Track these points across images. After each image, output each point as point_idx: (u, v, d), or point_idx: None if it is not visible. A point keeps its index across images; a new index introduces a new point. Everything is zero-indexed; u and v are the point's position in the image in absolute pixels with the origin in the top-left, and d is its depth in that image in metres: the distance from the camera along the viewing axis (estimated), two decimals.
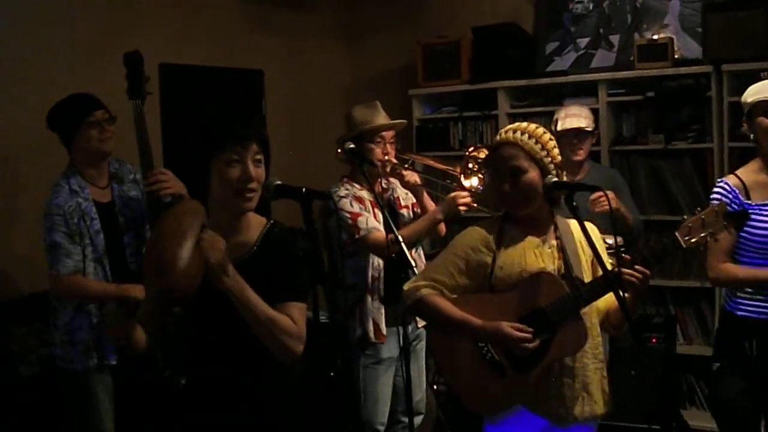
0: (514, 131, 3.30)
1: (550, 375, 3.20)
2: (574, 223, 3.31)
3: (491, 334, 3.19)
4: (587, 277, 3.27)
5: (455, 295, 3.31)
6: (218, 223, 2.87)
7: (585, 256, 3.31)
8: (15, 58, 5.12)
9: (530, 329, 3.14)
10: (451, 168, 4.79)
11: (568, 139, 5.14)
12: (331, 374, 4.86)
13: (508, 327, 3.15)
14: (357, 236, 4.44)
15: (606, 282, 3.08)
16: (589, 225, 3.35)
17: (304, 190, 2.67)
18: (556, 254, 3.28)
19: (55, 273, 4.05)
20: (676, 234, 3.12)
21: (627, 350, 5.41)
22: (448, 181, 4.81)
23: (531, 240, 3.28)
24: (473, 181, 4.68)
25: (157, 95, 5.92)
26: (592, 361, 3.27)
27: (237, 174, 2.78)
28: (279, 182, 2.77)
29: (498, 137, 3.34)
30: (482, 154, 4.68)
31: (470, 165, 4.67)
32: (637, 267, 3.08)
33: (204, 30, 6.37)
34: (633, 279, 3.08)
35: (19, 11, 5.18)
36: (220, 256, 2.65)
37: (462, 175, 4.67)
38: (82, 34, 5.50)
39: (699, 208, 3.16)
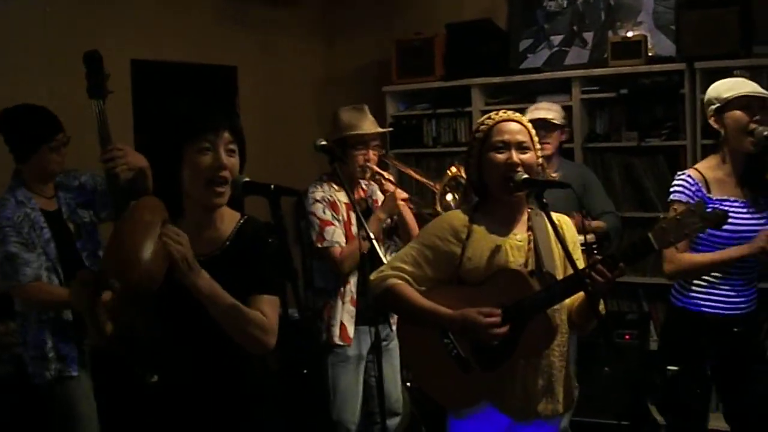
0: (514, 113, 3.28)
1: (516, 371, 3.17)
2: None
3: (458, 321, 3.11)
4: (560, 272, 3.24)
5: (423, 288, 3.25)
6: (192, 218, 2.85)
7: (558, 250, 3.25)
8: None
9: (498, 311, 3.07)
10: (431, 184, 4.79)
11: (535, 131, 5.14)
12: (305, 372, 4.84)
13: (475, 313, 3.07)
14: (319, 245, 4.44)
15: (576, 281, 3.05)
16: (564, 220, 3.35)
17: (272, 186, 2.64)
18: (526, 247, 3.23)
19: (15, 284, 4.01)
20: (649, 235, 3.02)
21: (600, 347, 5.43)
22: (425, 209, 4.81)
23: (502, 232, 3.23)
24: (447, 197, 4.69)
25: (129, 92, 5.91)
26: (558, 359, 3.24)
27: (209, 162, 2.74)
28: (247, 179, 2.74)
29: (499, 114, 3.25)
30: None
31: (453, 184, 4.67)
32: (598, 268, 3.00)
33: (177, 26, 6.33)
34: (596, 279, 3.01)
35: None
36: (183, 251, 2.62)
37: (440, 193, 4.67)
38: (55, 31, 5.46)
39: (675, 208, 3.12)
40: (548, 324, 3.14)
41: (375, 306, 4.11)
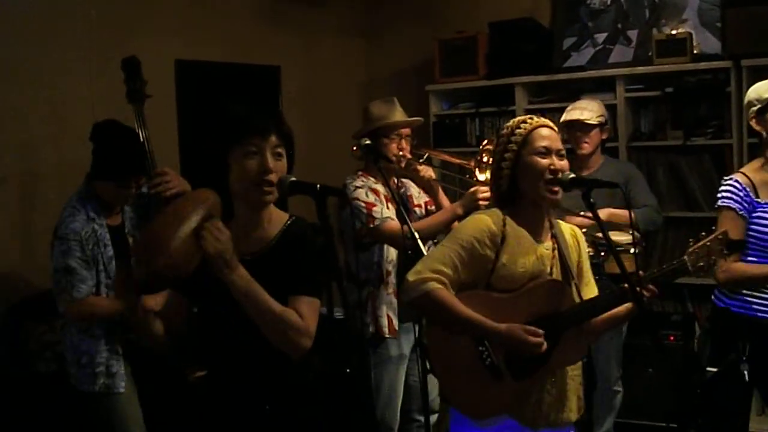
0: (546, 119, 3.27)
1: (538, 382, 3.15)
2: (564, 225, 3.33)
3: (505, 336, 3.08)
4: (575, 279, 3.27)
5: (453, 292, 3.17)
6: (240, 218, 2.88)
7: (573, 259, 3.28)
8: (30, 59, 5.15)
9: (542, 332, 3.06)
10: (466, 162, 4.78)
11: (572, 131, 5.17)
12: (347, 371, 4.84)
13: (522, 330, 3.05)
14: (371, 225, 4.42)
15: (622, 295, 3.06)
16: (578, 231, 3.38)
17: (318, 186, 2.65)
18: (551, 255, 3.22)
19: (68, 298, 4.00)
20: (685, 258, 3.13)
21: (645, 348, 5.40)
22: (468, 176, 4.79)
23: (532, 239, 3.20)
24: (488, 175, 4.67)
25: (173, 92, 5.96)
26: (571, 368, 3.23)
27: (255, 166, 2.76)
28: (293, 179, 2.76)
29: (534, 120, 3.23)
30: None
31: (485, 158, 4.65)
32: (649, 287, 3.06)
33: (220, 26, 6.36)
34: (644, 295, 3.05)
35: (34, 11, 5.20)
36: (220, 247, 2.63)
37: (477, 169, 4.65)
38: (99, 32, 5.51)
39: (704, 233, 3.18)
40: (581, 337, 3.16)
41: (410, 308, 4.09)
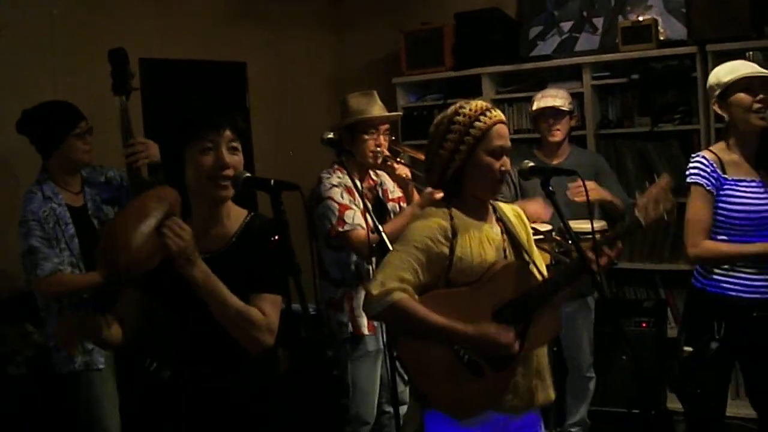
0: (500, 112, 3.22)
1: (515, 367, 3.11)
2: (507, 207, 3.33)
3: (475, 339, 3.02)
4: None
5: (417, 296, 3.07)
6: (198, 216, 2.87)
7: (522, 237, 3.27)
8: None
9: (512, 329, 3.03)
10: None
11: (545, 119, 5.19)
12: (334, 373, 4.81)
13: (492, 331, 3.01)
14: (341, 229, 4.38)
15: (580, 265, 3.06)
16: (517, 209, 3.40)
17: (272, 181, 2.64)
18: (500, 239, 3.20)
19: (33, 277, 4.07)
20: (636, 214, 3.14)
21: (618, 335, 5.40)
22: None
23: (480, 226, 3.17)
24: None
25: (138, 91, 5.90)
26: (543, 347, 3.23)
27: (211, 161, 2.76)
28: (248, 174, 2.75)
29: (493, 112, 3.16)
30: None
31: None
32: (606, 250, 3.12)
33: (185, 22, 6.32)
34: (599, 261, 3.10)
35: None
36: (182, 244, 2.63)
37: None
38: (63, 29, 5.47)
39: (647, 183, 3.20)
40: (553, 315, 3.16)
41: (376, 320, 4.09)
